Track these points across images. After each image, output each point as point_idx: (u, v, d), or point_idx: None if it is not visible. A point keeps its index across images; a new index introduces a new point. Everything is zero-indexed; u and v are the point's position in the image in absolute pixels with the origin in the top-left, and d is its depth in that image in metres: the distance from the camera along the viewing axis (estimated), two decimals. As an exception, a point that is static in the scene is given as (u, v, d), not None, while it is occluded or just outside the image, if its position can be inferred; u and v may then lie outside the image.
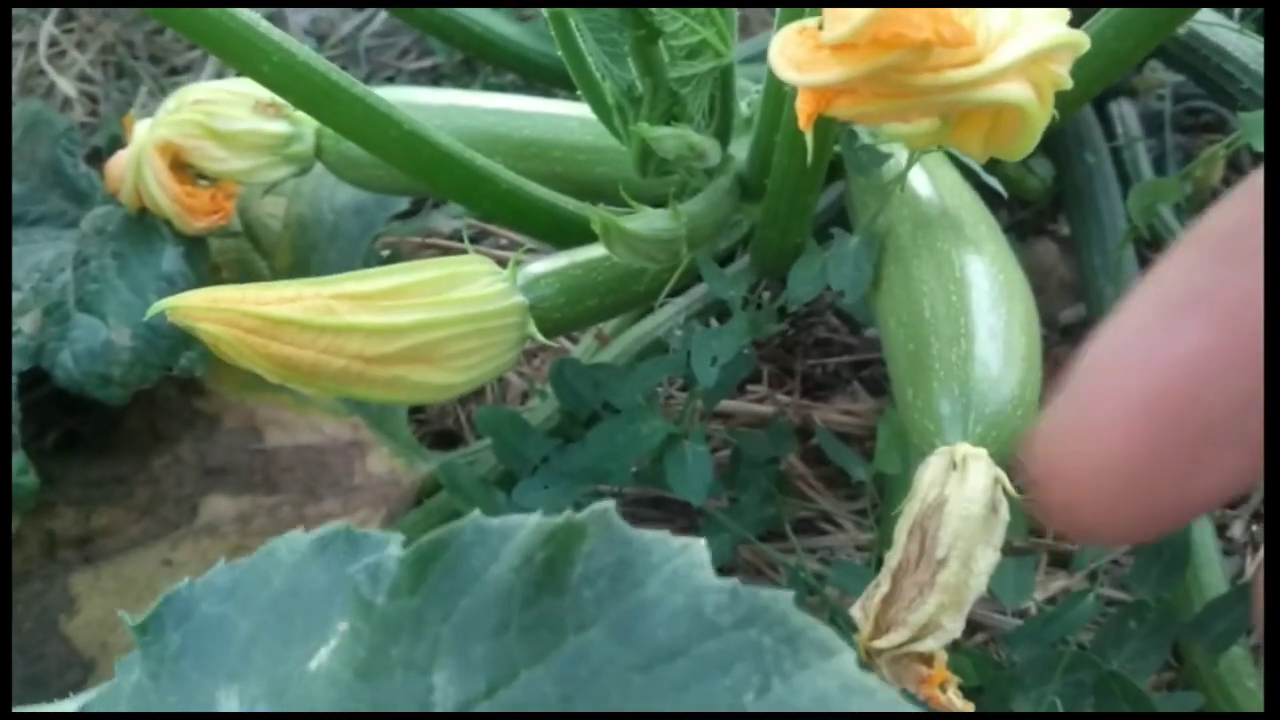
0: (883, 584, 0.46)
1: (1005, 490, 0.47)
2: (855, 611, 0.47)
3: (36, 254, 0.72)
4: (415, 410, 0.88)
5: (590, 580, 0.27)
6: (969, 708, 0.46)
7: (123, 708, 0.34)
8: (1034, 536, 0.79)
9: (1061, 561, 0.78)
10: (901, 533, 0.46)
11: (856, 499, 0.78)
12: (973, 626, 0.75)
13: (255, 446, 0.80)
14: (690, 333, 0.61)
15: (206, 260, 0.66)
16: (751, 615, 0.26)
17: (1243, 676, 0.66)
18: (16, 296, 0.65)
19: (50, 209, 0.83)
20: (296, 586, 0.32)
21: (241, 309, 0.45)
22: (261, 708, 0.30)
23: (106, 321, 0.61)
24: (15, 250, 0.70)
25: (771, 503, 0.70)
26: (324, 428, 0.81)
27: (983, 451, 0.47)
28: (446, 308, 0.51)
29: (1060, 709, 0.56)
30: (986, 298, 0.52)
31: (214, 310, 0.45)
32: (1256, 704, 0.64)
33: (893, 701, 0.24)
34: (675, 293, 0.72)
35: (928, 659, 0.46)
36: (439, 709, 0.27)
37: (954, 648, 0.63)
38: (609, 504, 0.27)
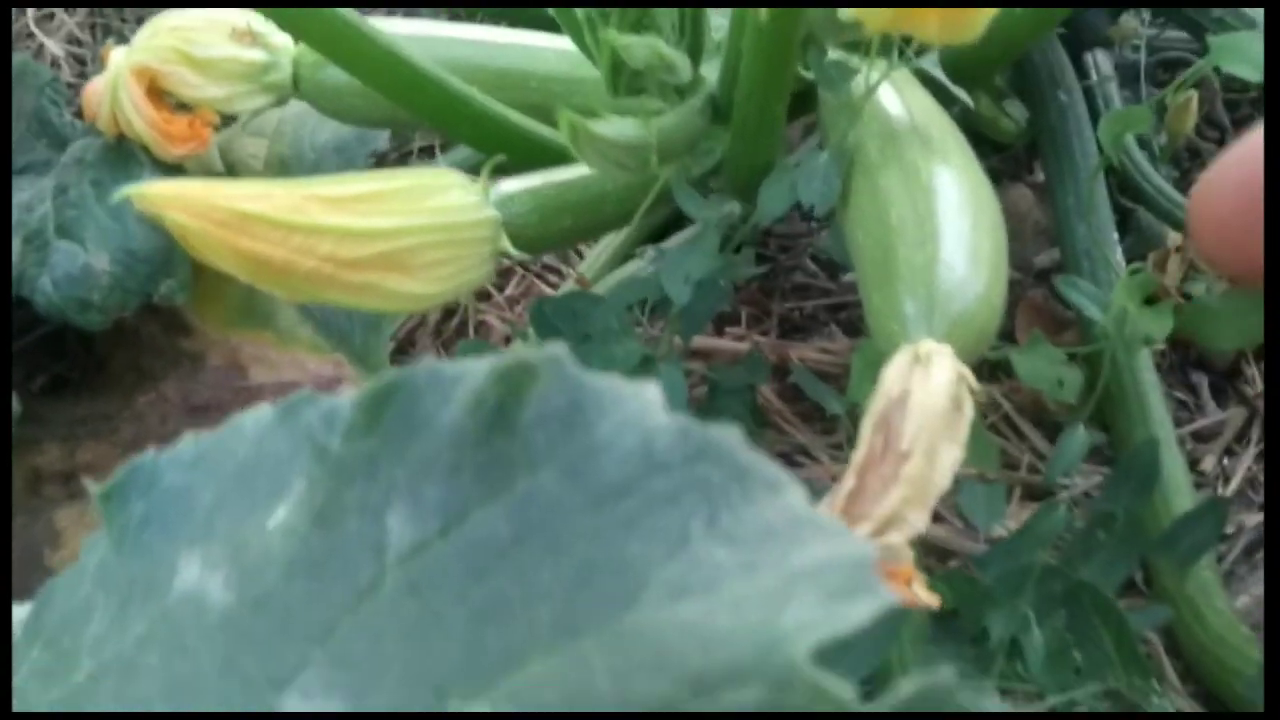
0: (848, 480, 0.47)
1: (970, 389, 0.48)
2: (822, 509, 0.47)
3: (18, 195, 0.73)
4: (398, 350, 0.88)
5: (542, 422, 0.27)
6: (934, 601, 0.46)
7: (86, 585, 0.35)
8: (1008, 469, 0.79)
9: (1035, 495, 0.79)
10: (866, 428, 0.47)
11: (833, 433, 0.79)
12: (947, 553, 0.76)
13: (239, 384, 0.81)
14: (662, 255, 0.61)
15: (184, 189, 0.66)
16: (701, 452, 0.26)
17: (1213, 597, 0.67)
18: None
19: (36, 158, 0.83)
20: (260, 455, 0.32)
21: (211, 201, 0.45)
22: (221, 570, 0.31)
23: (85, 247, 0.62)
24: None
25: (748, 435, 0.71)
26: (307, 365, 0.81)
27: (947, 347, 0.48)
28: (419, 215, 0.51)
29: (1033, 622, 0.57)
30: (953, 205, 0.52)
31: (182, 200, 0.45)
32: (1227, 624, 0.64)
33: (840, 534, 0.25)
34: (656, 237, 0.72)
35: (895, 554, 0.46)
36: (391, 552, 0.28)
37: (928, 573, 0.64)
38: (562, 347, 0.28)
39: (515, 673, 0.25)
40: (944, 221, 0.52)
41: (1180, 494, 0.72)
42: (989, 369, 0.85)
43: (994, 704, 0.22)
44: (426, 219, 0.52)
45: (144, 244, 0.62)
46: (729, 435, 0.26)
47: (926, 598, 0.46)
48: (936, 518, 0.76)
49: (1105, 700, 0.57)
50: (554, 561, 0.26)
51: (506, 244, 0.55)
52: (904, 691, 0.21)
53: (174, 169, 0.66)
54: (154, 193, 0.45)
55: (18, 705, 0.35)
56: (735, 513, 0.25)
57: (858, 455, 0.47)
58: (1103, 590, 0.56)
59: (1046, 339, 0.77)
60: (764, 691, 0.22)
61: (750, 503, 0.26)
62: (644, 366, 0.61)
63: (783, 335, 0.85)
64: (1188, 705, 0.62)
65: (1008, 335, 0.86)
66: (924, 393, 0.46)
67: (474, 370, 0.28)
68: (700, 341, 0.81)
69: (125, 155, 0.65)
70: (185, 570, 0.32)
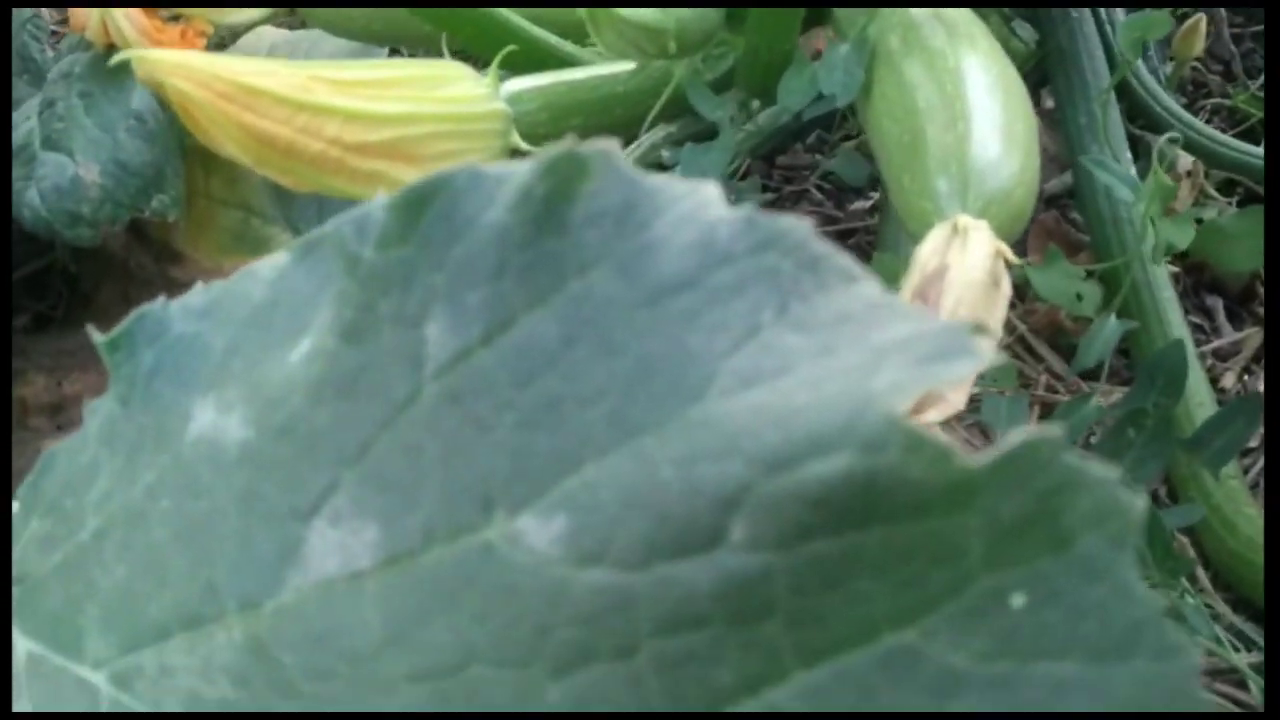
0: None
1: (1007, 263, 0.46)
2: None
3: (-1, 125, 0.70)
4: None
5: (593, 221, 0.25)
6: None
7: (90, 447, 0.33)
8: (1024, 389, 0.78)
9: (1053, 413, 0.77)
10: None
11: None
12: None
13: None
14: (678, 151, 0.59)
15: (176, 103, 0.64)
16: (768, 241, 0.24)
17: (1241, 505, 0.65)
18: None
19: (19, 95, 0.81)
20: (277, 296, 0.30)
21: (214, 72, 0.43)
22: (238, 410, 0.29)
23: (74, 158, 0.59)
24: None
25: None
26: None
27: (984, 222, 0.46)
28: (428, 104, 0.49)
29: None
30: (982, 86, 0.51)
31: (186, 68, 0.43)
32: (1258, 529, 0.63)
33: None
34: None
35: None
36: (430, 364, 0.25)
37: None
38: (613, 143, 0.25)
39: (569, 477, 0.23)
40: (974, 102, 0.50)
41: (1204, 406, 0.70)
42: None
43: (1105, 473, 0.20)
44: (435, 108, 0.49)
45: (135, 156, 0.60)
46: (799, 225, 0.24)
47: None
48: (952, 436, 0.74)
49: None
50: (608, 361, 0.24)
51: (517, 139, 0.53)
52: (1013, 441, 0.19)
53: (165, 80, 0.63)
54: (157, 59, 0.43)
55: (17, 577, 0.33)
56: (808, 301, 0.23)
57: (893, 334, 0.45)
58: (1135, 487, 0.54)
59: (1065, 257, 0.75)
60: (852, 457, 0.20)
61: (823, 291, 0.23)
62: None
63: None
64: (1222, 608, 0.61)
65: (1020, 259, 0.84)
66: (962, 266, 0.44)
67: (519, 169, 0.26)
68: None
69: (115, 67, 0.62)
70: (199, 415, 0.30)
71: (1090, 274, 0.77)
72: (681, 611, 0.22)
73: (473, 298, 0.25)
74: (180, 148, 0.62)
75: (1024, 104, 0.52)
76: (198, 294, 0.32)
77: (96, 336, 0.32)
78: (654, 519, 0.22)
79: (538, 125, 0.55)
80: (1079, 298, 0.74)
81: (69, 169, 0.59)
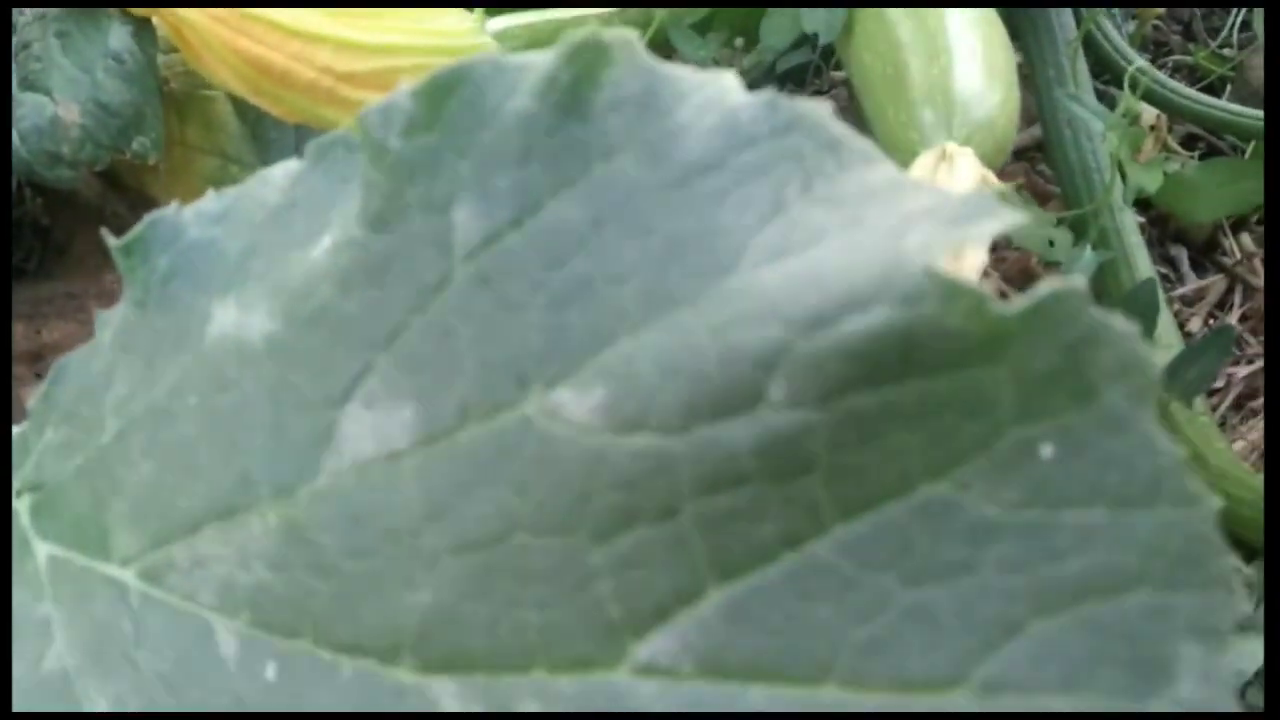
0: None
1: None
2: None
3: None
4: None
5: (616, 107, 0.26)
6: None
7: (104, 354, 0.33)
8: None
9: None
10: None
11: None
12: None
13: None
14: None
15: (155, 46, 0.63)
16: (791, 124, 0.25)
17: (1212, 439, 0.67)
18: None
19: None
20: (294, 199, 0.31)
21: (209, -6, 0.43)
22: (262, 306, 0.29)
23: (52, 98, 0.59)
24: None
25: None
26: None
27: (969, 150, 0.47)
28: (418, 35, 0.49)
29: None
30: (963, 21, 0.52)
31: (180, -10, 0.43)
32: (1228, 460, 0.65)
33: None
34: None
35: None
36: (459, 248, 0.26)
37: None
38: (633, 33, 0.26)
39: (604, 351, 0.24)
40: (955, 36, 0.51)
41: (1172, 348, 0.72)
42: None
43: (1127, 327, 0.21)
44: (424, 40, 0.50)
45: (115, 97, 0.59)
46: (818, 108, 0.25)
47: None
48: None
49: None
50: (638, 241, 0.24)
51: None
52: (1042, 291, 0.20)
53: (144, 22, 0.63)
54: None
55: (34, 485, 0.33)
56: (831, 180, 0.24)
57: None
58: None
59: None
60: (891, 310, 0.21)
61: (846, 170, 0.24)
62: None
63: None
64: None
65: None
66: (950, 188, 0.45)
67: (541, 58, 0.26)
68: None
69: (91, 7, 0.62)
70: (220, 315, 0.30)
71: (1061, 221, 0.79)
72: (722, 471, 0.23)
73: (500, 183, 0.26)
74: (158, 91, 0.61)
75: (1003, 38, 0.53)
76: (210, 200, 0.32)
77: (111, 241, 0.32)
78: (692, 384, 0.23)
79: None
80: (1051, 244, 0.76)
81: (48, 109, 0.58)
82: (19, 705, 0.30)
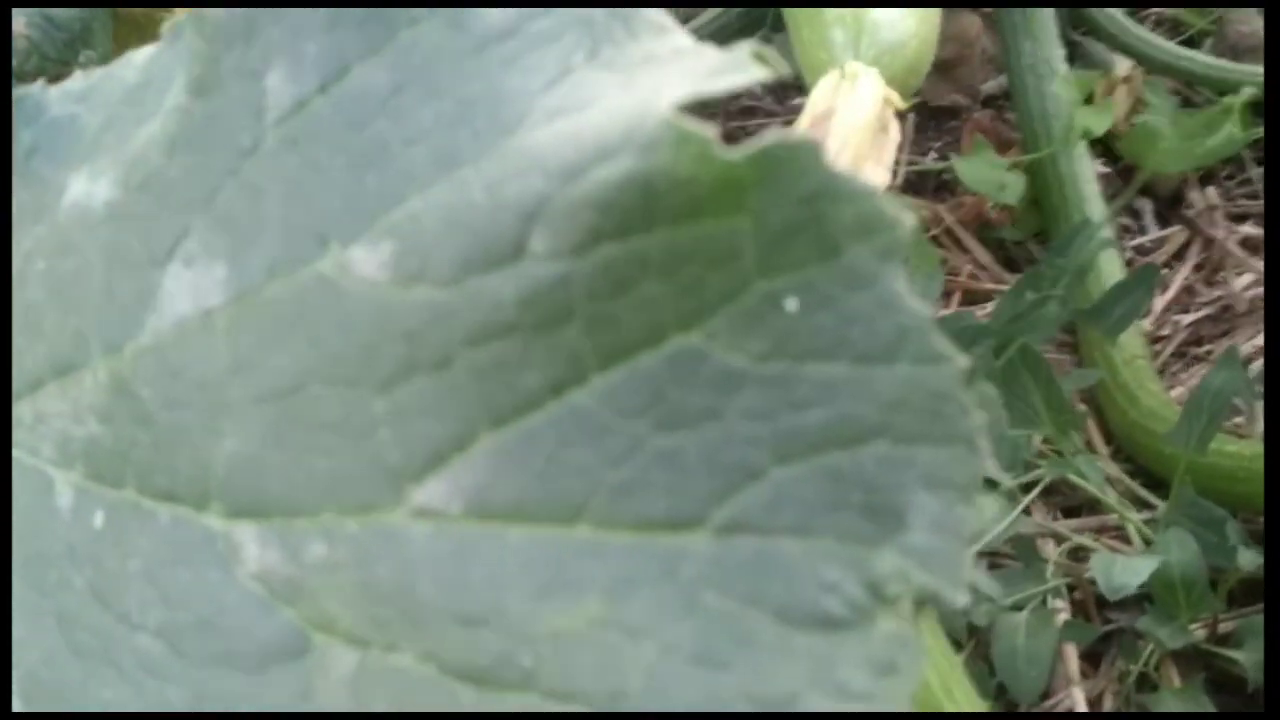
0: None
1: (897, 113, 0.47)
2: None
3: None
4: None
5: (425, -23, 0.26)
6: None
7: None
8: (950, 276, 0.79)
9: (974, 299, 0.78)
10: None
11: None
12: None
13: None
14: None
15: (105, -36, 0.64)
16: (585, -6, 0.26)
17: (1146, 381, 0.68)
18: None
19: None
20: (149, 77, 0.31)
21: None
22: (107, 177, 0.30)
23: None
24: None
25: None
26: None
27: (874, 70, 0.47)
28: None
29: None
30: (887, -51, 0.52)
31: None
32: (1160, 403, 0.65)
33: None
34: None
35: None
36: (271, 112, 0.27)
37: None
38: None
39: (394, 210, 0.25)
40: (876, -38, 0.51)
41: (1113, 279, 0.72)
42: (934, 187, 0.85)
43: (866, 186, 0.22)
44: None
45: (62, 12, 0.60)
46: (611, -20, 0.25)
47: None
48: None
49: (1039, 459, 0.57)
50: (434, 104, 0.25)
51: None
52: (768, 138, 0.21)
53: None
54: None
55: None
56: (619, 46, 0.25)
57: (782, 174, 0.46)
58: (1033, 346, 0.57)
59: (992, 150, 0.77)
60: (632, 159, 0.22)
61: (634, 38, 0.25)
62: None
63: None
64: (1118, 475, 0.63)
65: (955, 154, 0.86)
66: (849, 109, 0.46)
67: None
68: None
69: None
70: (73, 186, 0.31)
71: (1015, 165, 0.79)
72: (490, 321, 0.24)
73: (310, 49, 0.27)
74: (109, 7, 0.63)
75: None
76: (76, 79, 0.33)
77: (-23, 118, 0.33)
78: (467, 237, 0.24)
79: None
80: (1002, 188, 0.76)
81: (-4, 22, 0.59)
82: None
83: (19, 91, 0.33)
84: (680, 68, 0.23)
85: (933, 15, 0.52)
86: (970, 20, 0.92)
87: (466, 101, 0.25)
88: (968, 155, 0.77)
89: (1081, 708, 0.52)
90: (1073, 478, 0.56)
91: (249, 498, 0.26)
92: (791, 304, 0.22)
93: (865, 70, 0.47)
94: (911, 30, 0.49)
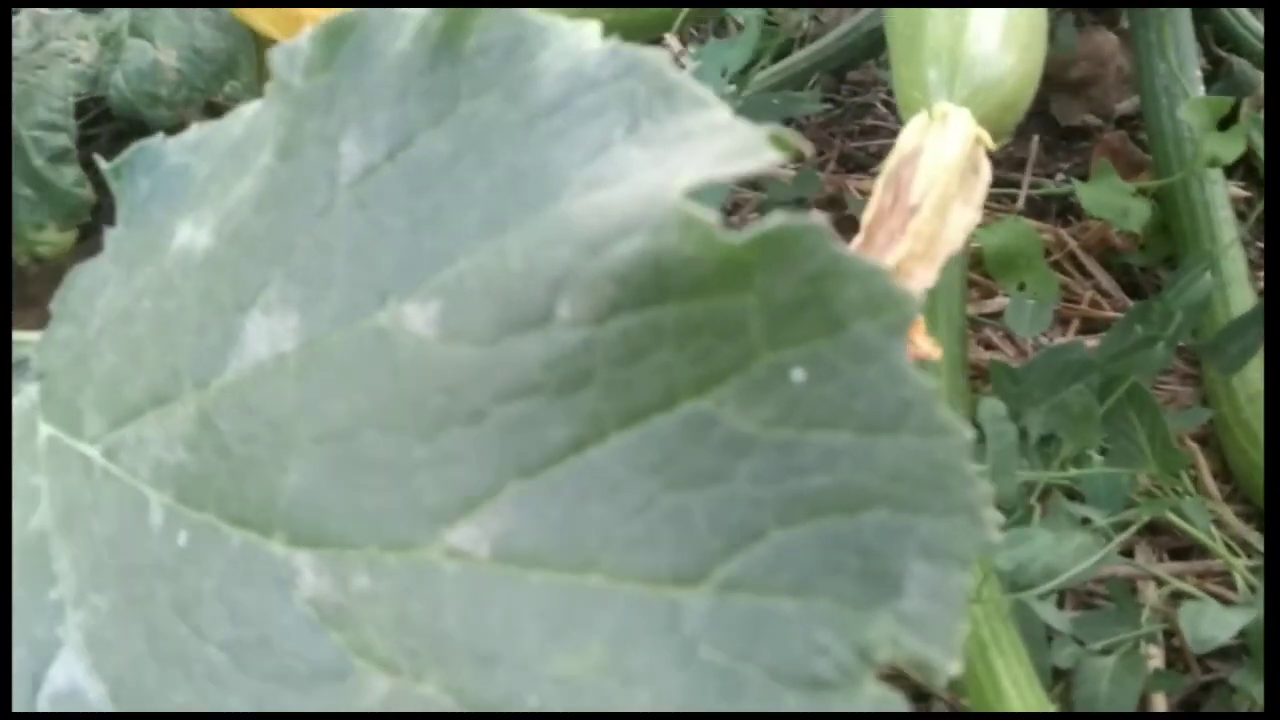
0: (857, 238, 0.47)
1: (988, 152, 0.47)
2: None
3: (84, 23, 0.76)
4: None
5: (485, 51, 0.28)
6: (936, 353, 0.46)
7: (103, 264, 0.38)
8: (1070, 303, 0.78)
9: (1094, 328, 0.77)
10: (877, 187, 0.47)
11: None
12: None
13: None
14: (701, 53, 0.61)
15: (252, -3, 0.69)
16: (628, 69, 0.27)
17: (1260, 404, 0.65)
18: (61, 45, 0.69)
19: None
20: (251, 131, 0.34)
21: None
22: (208, 226, 0.33)
23: (154, 44, 0.65)
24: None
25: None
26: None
27: (965, 111, 0.47)
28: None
29: (1071, 414, 0.56)
30: (990, -16, 0.51)
31: None
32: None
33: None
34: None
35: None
36: (344, 176, 0.29)
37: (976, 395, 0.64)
38: (502, -14, 0.29)
39: (444, 270, 0.27)
40: (978, -2, 0.51)
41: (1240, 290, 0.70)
42: (1058, 211, 0.83)
43: (873, 264, 0.23)
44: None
45: (210, 43, 0.65)
46: (656, 55, 0.27)
47: (928, 348, 0.46)
48: (989, 345, 0.75)
49: (1143, 497, 0.56)
50: (487, 173, 0.27)
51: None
52: (771, 222, 0.22)
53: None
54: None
55: (41, 373, 0.38)
56: (657, 122, 0.26)
57: (867, 214, 0.47)
58: (1140, 384, 0.56)
59: (1117, 174, 0.75)
60: (645, 237, 0.23)
61: (674, 114, 0.26)
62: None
63: (845, 172, 0.85)
64: (1230, 518, 0.61)
65: (1082, 178, 0.84)
66: (936, 150, 0.46)
67: (422, 9, 0.29)
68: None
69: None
70: (180, 232, 0.34)
71: (1142, 191, 0.77)
72: (520, 380, 0.25)
73: (380, 119, 0.29)
74: (254, 38, 0.67)
75: (1037, 13, 0.53)
76: (191, 132, 0.36)
77: (102, 164, 0.37)
78: (504, 301, 0.26)
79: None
80: (1126, 214, 0.74)
81: (150, 53, 0.64)
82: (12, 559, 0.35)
83: (140, 143, 0.36)
84: (705, 149, 0.25)
85: (1035, 50, 0.51)
86: (1105, 38, 0.90)
87: (516, 171, 0.27)
88: (1092, 181, 0.76)
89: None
90: (1173, 518, 0.55)
91: (307, 528, 0.28)
92: (798, 375, 0.23)
93: (956, 111, 0.47)
94: (1008, 68, 0.49)
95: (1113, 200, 0.73)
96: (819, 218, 0.23)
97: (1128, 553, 0.59)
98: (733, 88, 0.76)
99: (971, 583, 0.24)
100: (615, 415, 0.25)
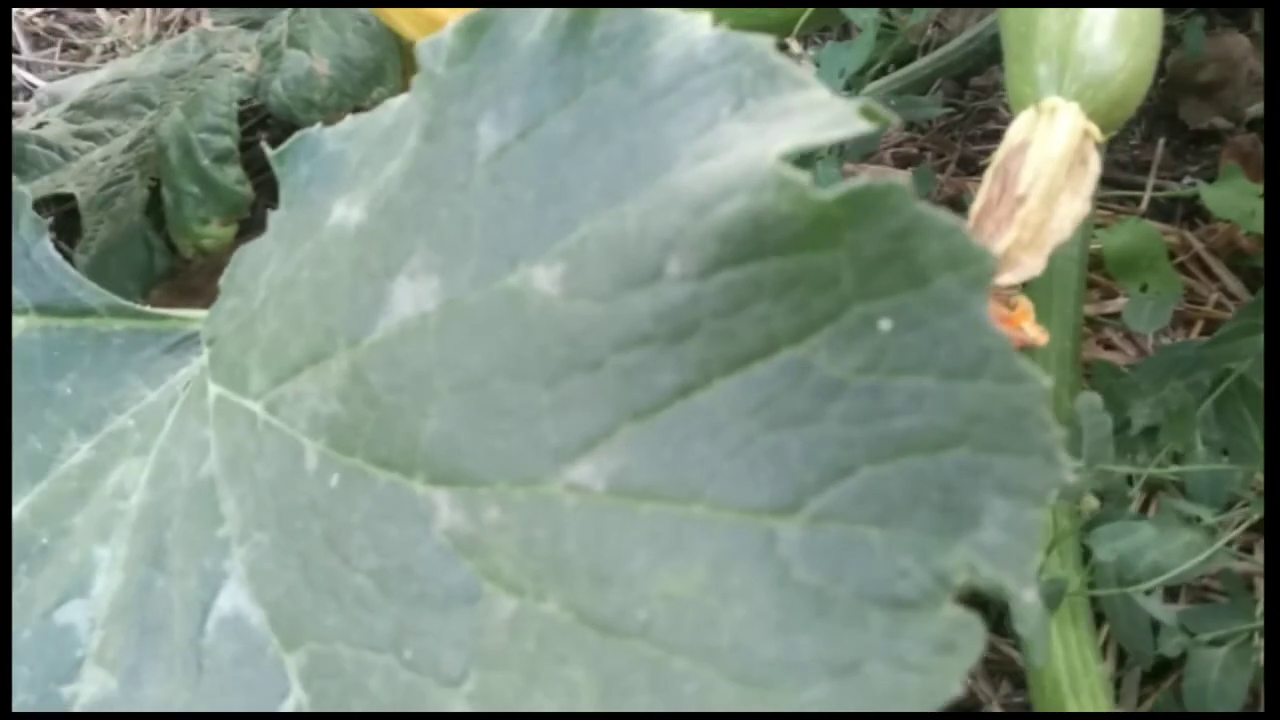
0: (967, 226, 0.48)
1: (1097, 145, 0.49)
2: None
3: (245, 39, 0.83)
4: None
5: (607, 41, 0.31)
6: (1042, 339, 0.48)
7: (267, 242, 0.42)
8: (1194, 305, 0.77)
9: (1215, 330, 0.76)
10: (986, 178, 0.48)
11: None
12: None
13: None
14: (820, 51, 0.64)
15: (398, 10, 0.74)
16: (736, 53, 0.30)
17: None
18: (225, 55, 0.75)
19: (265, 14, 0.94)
20: (399, 120, 0.38)
21: None
22: (361, 204, 0.37)
23: (310, 53, 0.70)
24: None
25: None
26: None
27: (1074, 105, 0.48)
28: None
29: (1169, 409, 0.56)
30: (1105, -18, 0.52)
31: None
32: None
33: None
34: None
35: (1008, 300, 0.48)
36: (481, 154, 0.33)
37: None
38: (621, -23, 0.32)
39: (569, 235, 0.30)
40: (1092, -4, 0.52)
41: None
42: (1184, 214, 0.83)
43: (953, 222, 0.25)
44: None
45: (359, 52, 0.70)
46: (762, 41, 0.30)
47: (1035, 335, 0.47)
48: (1109, 345, 0.75)
49: (1251, 493, 0.56)
50: (607, 149, 0.30)
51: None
52: (857, 181, 0.24)
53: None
54: None
55: (210, 339, 0.43)
56: (760, 100, 0.29)
57: (976, 204, 0.49)
58: (1253, 381, 0.56)
59: (1246, 176, 0.75)
60: (746, 197, 0.26)
61: (776, 93, 0.29)
62: (802, 163, 0.64)
63: (966, 175, 0.86)
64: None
65: (1210, 181, 0.83)
66: (1044, 142, 0.47)
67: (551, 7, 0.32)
68: (874, 169, 0.82)
69: (349, -22, 0.73)
70: (336, 210, 0.38)
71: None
72: (634, 332, 0.28)
73: (513, 103, 0.32)
74: (399, 47, 0.72)
75: (1152, 12, 0.54)
76: (346, 122, 0.40)
77: (268, 150, 0.41)
78: (620, 261, 0.28)
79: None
80: (1252, 216, 0.73)
81: (305, 63, 0.70)
82: (180, 505, 0.40)
83: (301, 132, 0.41)
84: (803, 121, 0.27)
85: (1148, 47, 0.52)
86: (1236, 41, 0.89)
87: (632, 147, 0.30)
88: (1218, 182, 0.75)
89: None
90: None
91: (445, 468, 0.32)
92: (885, 324, 0.26)
93: (1064, 105, 0.48)
94: (1119, 64, 0.50)
95: (1239, 202, 0.73)
96: (903, 178, 0.25)
97: (1248, 550, 0.59)
98: (849, 90, 0.78)
99: (1047, 519, 0.25)
100: (719, 362, 0.27)
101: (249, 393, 0.39)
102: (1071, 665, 0.45)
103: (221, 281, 0.44)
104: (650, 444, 0.28)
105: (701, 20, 0.31)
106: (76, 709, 0.40)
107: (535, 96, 0.32)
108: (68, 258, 0.80)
